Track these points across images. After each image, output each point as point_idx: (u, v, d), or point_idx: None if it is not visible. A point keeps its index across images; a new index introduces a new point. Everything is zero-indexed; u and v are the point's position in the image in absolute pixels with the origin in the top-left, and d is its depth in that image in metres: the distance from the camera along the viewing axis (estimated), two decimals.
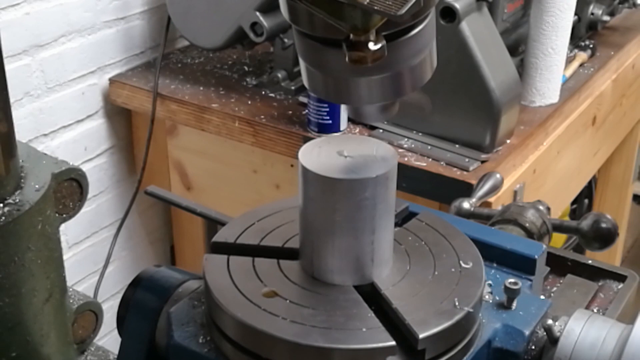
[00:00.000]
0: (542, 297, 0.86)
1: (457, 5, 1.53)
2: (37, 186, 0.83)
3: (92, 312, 1.00)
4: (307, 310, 0.73)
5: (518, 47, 1.90)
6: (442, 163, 1.60)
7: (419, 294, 0.75)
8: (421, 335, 0.70)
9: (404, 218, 0.90)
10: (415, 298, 0.75)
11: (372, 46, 0.62)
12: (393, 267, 0.79)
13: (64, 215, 0.90)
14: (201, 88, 1.91)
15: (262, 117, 1.78)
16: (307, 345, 0.70)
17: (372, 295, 0.76)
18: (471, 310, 0.74)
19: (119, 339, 0.86)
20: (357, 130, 1.73)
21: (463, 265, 0.79)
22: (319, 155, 0.76)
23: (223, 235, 0.83)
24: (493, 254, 0.86)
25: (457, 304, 0.73)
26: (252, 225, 0.84)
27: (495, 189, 1.19)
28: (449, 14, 1.54)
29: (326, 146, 0.77)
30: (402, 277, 0.78)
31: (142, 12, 2.03)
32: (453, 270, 0.79)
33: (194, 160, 1.98)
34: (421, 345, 0.70)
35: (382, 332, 0.71)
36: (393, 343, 0.70)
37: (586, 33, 2.12)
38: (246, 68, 2.02)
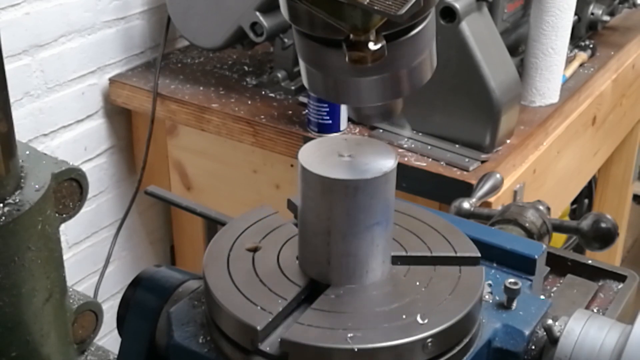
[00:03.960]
0: (542, 297, 0.86)
1: (457, 5, 1.53)
2: (37, 186, 0.83)
3: (92, 312, 1.00)
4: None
5: (518, 47, 1.90)
6: (442, 163, 1.60)
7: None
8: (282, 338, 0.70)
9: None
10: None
11: (372, 46, 0.62)
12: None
13: (64, 215, 0.90)
14: (201, 88, 1.91)
15: (262, 117, 1.78)
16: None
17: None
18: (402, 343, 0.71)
19: (119, 339, 0.86)
20: (357, 130, 1.73)
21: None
22: (319, 155, 0.76)
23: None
24: (493, 254, 0.86)
25: (419, 319, 0.72)
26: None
27: (495, 189, 1.19)
28: (449, 14, 1.54)
29: (326, 146, 0.77)
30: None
31: (142, 12, 2.03)
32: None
33: (194, 160, 1.98)
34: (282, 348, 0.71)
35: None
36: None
37: (586, 33, 2.12)
38: (246, 68, 2.02)
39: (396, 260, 0.80)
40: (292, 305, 0.75)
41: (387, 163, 0.75)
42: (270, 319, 0.72)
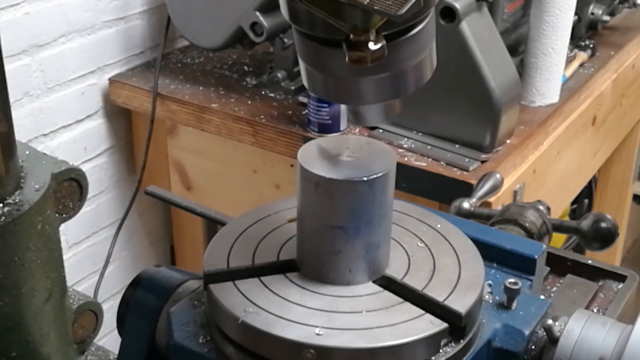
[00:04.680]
0: (542, 297, 0.86)
1: (457, 5, 1.53)
2: (37, 186, 0.83)
3: (92, 312, 1.00)
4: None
5: (518, 47, 1.90)
6: (442, 163, 1.60)
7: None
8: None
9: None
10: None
11: (372, 46, 0.62)
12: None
13: (64, 215, 0.90)
14: (201, 88, 1.91)
15: (262, 117, 1.78)
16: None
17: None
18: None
19: (119, 339, 0.86)
20: (357, 130, 1.73)
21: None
22: (318, 155, 0.76)
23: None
24: (493, 254, 0.86)
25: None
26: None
27: (495, 189, 1.19)
28: (449, 14, 1.54)
29: (325, 146, 0.77)
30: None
31: (142, 12, 2.03)
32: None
33: (194, 160, 1.98)
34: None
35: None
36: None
37: (586, 33, 2.12)
38: (246, 68, 2.02)
39: (395, 260, 0.80)
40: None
41: (386, 163, 0.75)
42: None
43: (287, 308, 0.74)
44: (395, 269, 0.79)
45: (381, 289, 0.77)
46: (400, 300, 0.75)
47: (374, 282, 0.78)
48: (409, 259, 0.80)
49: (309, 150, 0.77)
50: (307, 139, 1.64)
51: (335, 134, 1.69)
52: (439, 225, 0.85)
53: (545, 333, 0.76)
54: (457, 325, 0.73)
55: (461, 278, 0.77)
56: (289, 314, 0.73)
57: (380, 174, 0.74)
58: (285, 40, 1.83)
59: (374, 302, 0.75)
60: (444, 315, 0.73)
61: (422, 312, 0.74)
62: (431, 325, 0.72)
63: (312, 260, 0.77)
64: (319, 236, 0.76)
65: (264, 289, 0.76)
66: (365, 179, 0.73)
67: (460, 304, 0.73)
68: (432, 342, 0.72)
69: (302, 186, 0.75)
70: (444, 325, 0.72)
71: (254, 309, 0.73)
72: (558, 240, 2.58)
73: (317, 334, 0.70)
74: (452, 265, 0.79)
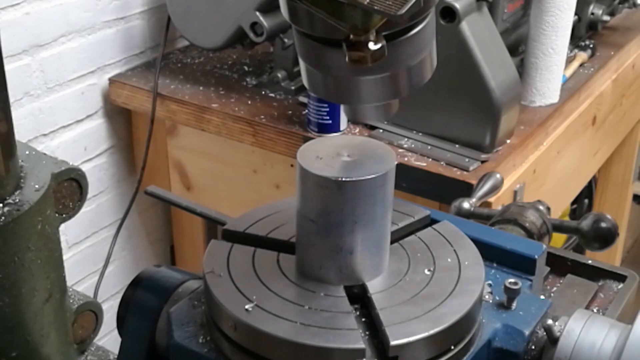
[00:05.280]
0: (542, 297, 0.86)
1: (457, 5, 1.53)
2: (37, 186, 0.83)
3: (92, 312, 1.00)
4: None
5: (518, 47, 1.90)
6: (442, 163, 1.60)
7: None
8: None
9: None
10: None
11: (372, 46, 0.62)
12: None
13: (64, 215, 0.90)
14: (201, 88, 1.91)
15: (262, 117, 1.78)
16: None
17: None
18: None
19: (119, 339, 0.86)
20: (357, 130, 1.73)
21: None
22: (317, 155, 0.76)
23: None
24: (493, 254, 0.86)
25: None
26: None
27: (495, 189, 1.19)
28: (449, 14, 1.54)
29: (325, 146, 0.77)
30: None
31: (142, 12, 2.03)
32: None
33: (194, 160, 1.98)
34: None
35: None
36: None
37: (586, 33, 2.12)
38: (246, 68, 2.02)
39: (395, 260, 0.80)
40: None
41: (386, 163, 0.75)
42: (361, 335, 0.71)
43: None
44: (388, 273, 0.79)
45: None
46: (349, 309, 0.74)
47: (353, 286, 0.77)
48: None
49: (309, 150, 0.77)
50: (307, 139, 1.64)
51: (335, 134, 1.69)
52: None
53: (545, 333, 0.76)
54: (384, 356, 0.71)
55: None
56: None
57: (379, 174, 0.74)
58: (285, 40, 1.83)
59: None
60: (375, 343, 0.72)
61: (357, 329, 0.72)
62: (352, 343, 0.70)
63: (312, 260, 0.77)
64: (318, 236, 0.76)
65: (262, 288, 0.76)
66: (365, 178, 0.73)
67: (399, 340, 0.70)
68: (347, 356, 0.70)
69: (302, 186, 0.75)
70: (361, 347, 0.69)
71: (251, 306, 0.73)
72: (558, 240, 2.58)
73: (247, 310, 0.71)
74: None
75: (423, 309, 0.73)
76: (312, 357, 0.70)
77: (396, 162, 0.76)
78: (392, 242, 0.80)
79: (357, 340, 0.70)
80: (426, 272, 0.78)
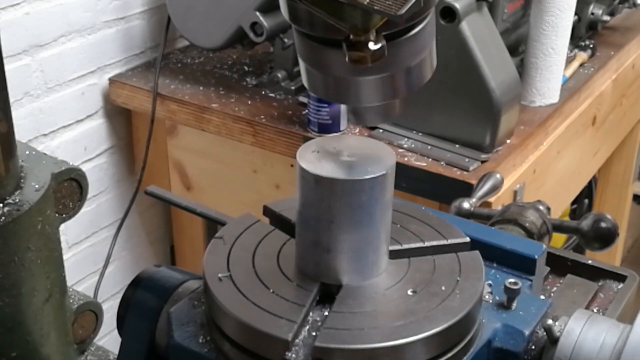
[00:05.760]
0: (542, 297, 0.86)
1: (457, 5, 1.53)
2: (37, 186, 0.83)
3: (92, 312, 1.00)
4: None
5: (518, 47, 1.90)
6: (442, 163, 1.60)
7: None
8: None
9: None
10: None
11: (372, 46, 0.62)
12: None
13: (64, 215, 0.90)
14: (201, 88, 1.91)
15: (262, 117, 1.78)
16: (341, 348, 0.70)
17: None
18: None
19: (119, 339, 0.86)
20: (357, 130, 1.73)
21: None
22: (317, 155, 0.76)
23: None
24: (493, 254, 0.86)
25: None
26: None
27: (495, 189, 1.19)
28: (449, 14, 1.54)
29: (324, 146, 0.77)
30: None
31: (142, 12, 2.03)
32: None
33: (194, 160, 1.98)
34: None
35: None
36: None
37: (586, 33, 2.12)
38: (246, 68, 2.02)
39: (393, 254, 0.80)
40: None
41: (385, 163, 0.75)
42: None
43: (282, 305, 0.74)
44: (388, 273, 0.79)
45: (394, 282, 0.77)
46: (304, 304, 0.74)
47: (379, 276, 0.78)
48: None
49: (308, 150, 0.77)
50: (307, 139, 1.64)
51: (335, 134, 1.69)
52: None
53: (545, 333, 0.76)
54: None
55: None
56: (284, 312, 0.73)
57: (379, 174, 0.74)
58: (285, 40, 1.83)
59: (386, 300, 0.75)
60: (310, 342, 0.72)
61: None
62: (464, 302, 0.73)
63: (311, 259, 0.77)
64: (318, 235, 0.76)
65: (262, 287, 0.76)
66: (364, 178, 0.73)
67: (325, 344, 0.70)
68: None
69: (302, 186, 0.75)
70: (286, 338, 0.70)
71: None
72: (558, 240, 2.58)
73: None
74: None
75: (375, 323, 0.72)
76: (253, 338, 0.72)
77: (396, 162, 0.76)
78: (407, 256, 0.80)
79: (288, 332, 0.70)
80: (409, 292, 0.77)
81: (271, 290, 0.76)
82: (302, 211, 0.77)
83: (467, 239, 0.83)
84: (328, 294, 0.76)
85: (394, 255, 0.80)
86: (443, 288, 0.77)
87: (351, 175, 0.73)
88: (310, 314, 0.75)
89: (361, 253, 0.76)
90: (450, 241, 0.82)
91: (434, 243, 0.82)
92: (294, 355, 0.70)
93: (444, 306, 0.74)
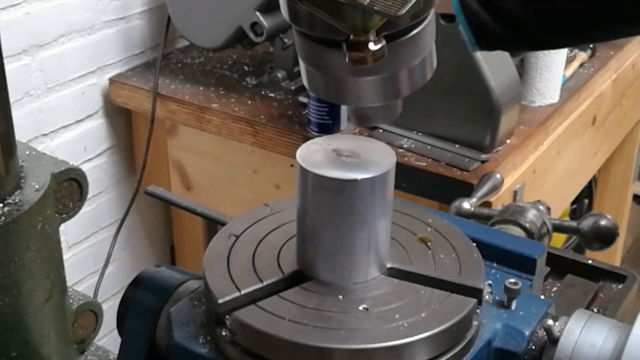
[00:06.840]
0: (542, 297, 0.86)
1: None
2: (37, 186, 0.83)
3: (92, 312, 0.99)
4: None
5: None
6: (442, 163, 1.60)
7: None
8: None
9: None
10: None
11: (372, 46, 0.62)
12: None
13: (64, 215, 0.90)
14: (201, 88, 1.91)
15: (262, 117, 1.78)
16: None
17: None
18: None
19: (119, 339, 0.86)
20: (357, 130, 1.73)
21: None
22: (317, 154, 0.76)
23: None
24: (493, 254, 0.86)
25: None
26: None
27: (495, 189, 1.19)
28: (449, 14, 1.54)
29: (324, 146, 0.77)
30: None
31: (142, 12, 2.03)
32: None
33: (194, 160, 1.98)
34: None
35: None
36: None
37: None
38: (246, 68, 2.02)
39: (395, 260, 0.80)
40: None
41: (385, 163, 0.75)
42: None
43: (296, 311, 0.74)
44: (398, 262, 0.79)
45: (396, 279, 0.77)
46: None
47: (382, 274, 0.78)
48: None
49: (308, 149, 0.77)
50: (307, 139, 1.63)
51: (335, 134, 1.69)
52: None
53: (545, 333, 0.76)
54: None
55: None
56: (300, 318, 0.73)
57: (379, 174, 0.74)
58: (285, 40, 1.83)
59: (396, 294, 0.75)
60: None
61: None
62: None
63: (312, 259, 0.77)
64: (318, 236, 0.76)
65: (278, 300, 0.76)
66: (364, 178, 0.73)
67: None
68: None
69: (302, 186, 0.75)
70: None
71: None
72: (558, 240, 2.58)
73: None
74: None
75: (375, 322, 0.73)
76: (312, 356, 0.71)
77: (396, 162, 0.76)
78: (409, 280, 0.79)
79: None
80: (424, 274, 0.78)
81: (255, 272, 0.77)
82: (302, 211, 0.77)
83: (481, 286, 0.76)
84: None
85: (396, 274, 0.79)
86: (452, 271, 0.78)
87: (351, 175, 0.73)
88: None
89: (361, 253, 0.76)
90: (462, 282, 0.77)
91: (445, 278, 0.78)
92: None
93: (444, 306, 0.74)
